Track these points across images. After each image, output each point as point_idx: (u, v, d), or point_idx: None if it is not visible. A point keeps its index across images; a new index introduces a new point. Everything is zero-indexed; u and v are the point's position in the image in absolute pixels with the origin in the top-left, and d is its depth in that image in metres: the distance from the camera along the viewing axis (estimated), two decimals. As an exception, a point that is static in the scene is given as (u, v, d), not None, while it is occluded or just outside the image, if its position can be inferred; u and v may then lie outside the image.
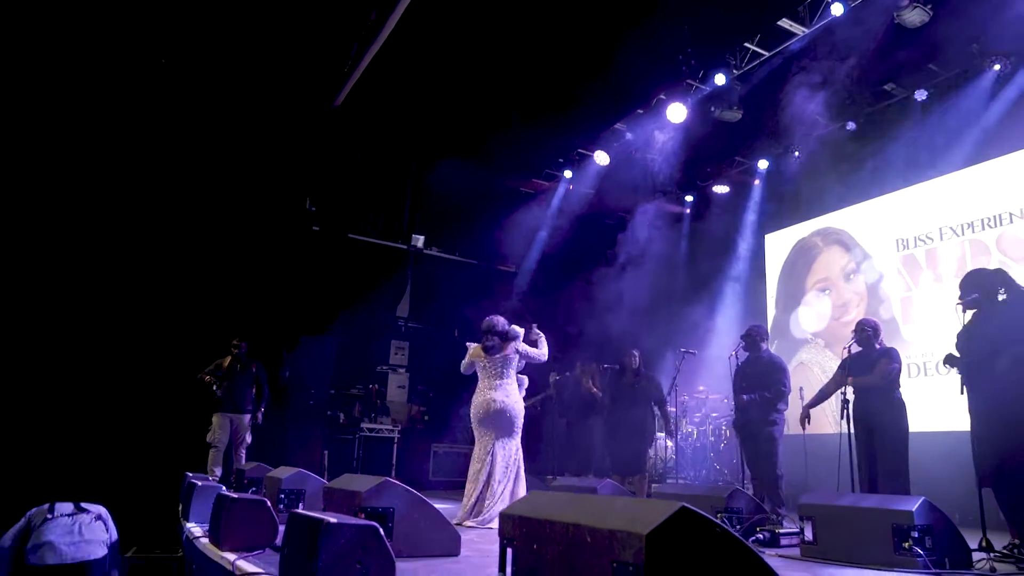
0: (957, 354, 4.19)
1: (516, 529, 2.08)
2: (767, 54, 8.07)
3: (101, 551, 4.54)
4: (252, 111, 9.49)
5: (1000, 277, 4.23)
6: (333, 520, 2.19)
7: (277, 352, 10.11)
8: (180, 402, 8.64)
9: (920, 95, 7.87)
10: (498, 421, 5.36)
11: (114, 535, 4.84)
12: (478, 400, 5.48)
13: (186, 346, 8.83)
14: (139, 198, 9.52)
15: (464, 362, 5.68)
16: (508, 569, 2.09)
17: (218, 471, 7.82)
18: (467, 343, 5.77)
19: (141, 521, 7.61)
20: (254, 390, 8.08)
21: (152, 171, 9.53)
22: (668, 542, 1.61)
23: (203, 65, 8.82)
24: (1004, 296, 4.10)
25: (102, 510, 4.87)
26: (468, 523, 5.10)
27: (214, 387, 7.85)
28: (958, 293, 4.33)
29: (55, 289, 8.89)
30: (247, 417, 7.99)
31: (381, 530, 2.26)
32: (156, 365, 9.10)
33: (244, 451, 8.02)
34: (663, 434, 8.42)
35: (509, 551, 2.09)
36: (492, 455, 5.31)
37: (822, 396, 5.63)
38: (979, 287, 4.19)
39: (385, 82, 8.99)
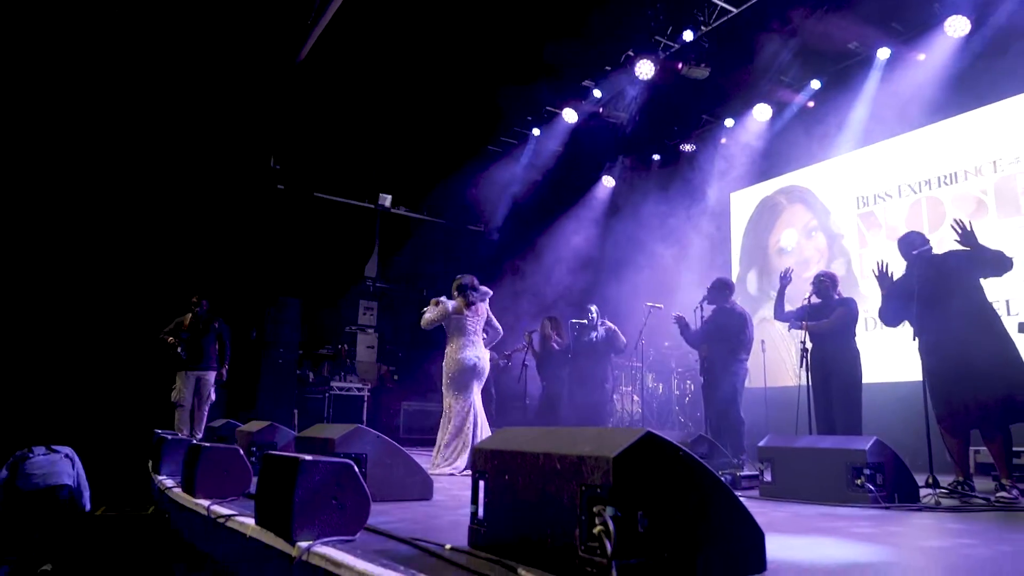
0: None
1: (488, 462, 2.15)
2: (735, 10, 8.08)
3: (70, 480, 5.61)
4: (213, 66, 9.22)
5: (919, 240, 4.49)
6: (308, 458, 2.24)
7: (245, 312, 10.02)
8: (145, 362, 8.56)
9: (883, 53, 7.97)
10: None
11: (80, 471, 5.81)
12: (469, 355, 5.67)
13: (150, 306, 8.71)
14: (101, 157, 9.27)
15: (436, 314, 5.70)
16: (480, 501, 2.15)
17: (185, 430, 7.80)
18: (440, 299, 5.82)
19: (110, 480, 7.59)
20: (217, 347, 8.00)
21: (112, 129, 9.26)
22: (634, 465, 1.69)
23: (163, 20, 8.51)
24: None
25: (69, 450, 5.81)
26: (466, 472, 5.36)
27: (177, 348, 7.76)
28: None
29: (18, 250, 8.68)
30: (211, 374, 7.92)
31: (356, 467, 2.31)
32: (120, 326, 8.98)
33: (207, 408, 7.96)
34: (629, 388, 8.61)
35: (481, 483, 2.16)
36: (474, 406, 5.60)
37: (782, 311, 5.89)
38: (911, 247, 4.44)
39: (350, 36, 8.80)
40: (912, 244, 4.50)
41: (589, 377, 7.21)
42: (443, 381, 5.75)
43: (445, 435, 5.59)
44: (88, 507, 5.73)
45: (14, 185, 8.67)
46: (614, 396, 8.38)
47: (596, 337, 7.43)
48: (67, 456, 5.74)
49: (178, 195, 9.79)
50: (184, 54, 8.97)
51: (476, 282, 5.85)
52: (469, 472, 5.34)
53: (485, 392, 6.25)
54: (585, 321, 7.45)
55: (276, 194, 11.03)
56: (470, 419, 5.58)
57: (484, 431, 5.58)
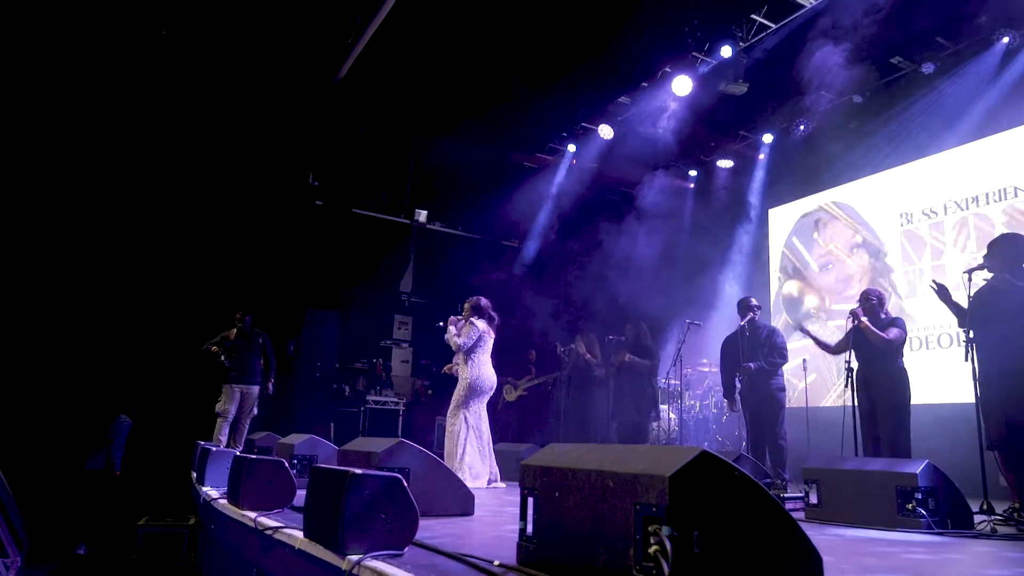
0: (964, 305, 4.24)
1: (537, 479, 2.14)
2: (774, 26, 8.03)
3: None
4: (254, 85, 9.46)
5: None
6: (359, 471, 2.25)
7: (283, 326, 10.18)
8: (186, 375, 8.73)
9: (927, 68, 7.83)
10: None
11: None
12: (491, 372, 6.03)
13: (191, 322, 8.89)
14: (145, 175, 9.54)
15: (472, 336, 5.95)
16: (529, 517, 2.14)
17: (224, 440, 7.92)
18: (455, 318, 6.15)
19: (150, 491, 7.75)
20: (261, 361, 8.15)
21: (156, 147, 9.53)
22: (690, 484, 1.67)
23: (205, 39, 8.77)
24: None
25: None
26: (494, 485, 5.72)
27: (221, 357, 7.89)
28: (966, 264, 4.38)
29: (67, 265, 8.96)
30: (256, 388, 8.08)
31: (405, 481, 2.32)
32: (162, 340, 9.18)
33: (248, 422, 8.09)
34: (666, 406, 8.52)
35: (531, 500, 2.15)
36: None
37: (824, 345, 5.77)
38: (1008, 252, 4.21)
39: (388, 55, 8.95)
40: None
41: (628, 395, 7.16)
42: (461, 397, 5.92)
43: (462, 450, 5.77)
44: None
45: (61, 202, 8.96)
46: (651, 414, 8.29)
47: (634, 356, 7.42)
48: None
49: (221, 212, 10.01)
50: (228, 74, 9.22)
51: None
52: (495, 484, 5.55)
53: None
54: (623, 338, 7.43)
55: (314, 210, 11.21)
56: (486, 434, 5.91)
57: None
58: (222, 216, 10.04)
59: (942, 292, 4.38)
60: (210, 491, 4.39)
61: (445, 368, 6.53)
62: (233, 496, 3.67)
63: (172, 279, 9.62)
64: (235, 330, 8.08)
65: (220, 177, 10.10)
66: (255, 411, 8.14)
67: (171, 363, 8.97)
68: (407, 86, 9.83)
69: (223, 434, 7.96)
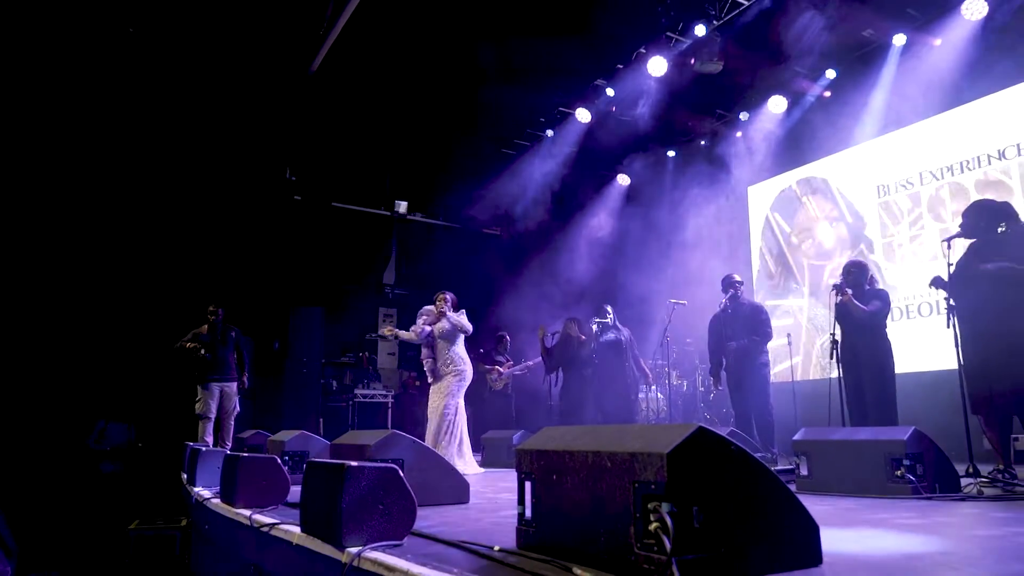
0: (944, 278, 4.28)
1: (534, 462, 2.14)
2: (746, 3, 8.04)
3: None
4: (227, 79, 9.32)
5: (1005, 209, 4.30)
6: (355, 464, 2.24)
7: (267, 323, 10.10)
8: (166, 375, 8.63)
9: (898, 39, 7.90)
10: None
11: None
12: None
13: (170, 319, 8.76)
14: (119, 170, 9.40)
15: (461, 323, 6.23)
16: (527, 501, 2.15)
17: (209, 441, 7.81)
18: (428, 308, 6.41)
19: (140, 494, 7.68)
20: (236, 356, 7.99)
21: (130, 141, 9.38)
22: (688, 460, 1.68)
23: (177, 34, 8.61)
24: (1003, 228, 4.17)
25: None
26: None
27: (201, 351, 7.72)
28: (946, 232, 4.42)
29: (38, 264, 8.82)
30: (234, 385, 7.89)
31: (401, 472, 2.31)
32: (140, 340, 9.08)
33: (233, 422, 7.96)
34: (654, 386, 8.58)
35: (528, 484, 2.15)
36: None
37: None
38: (982, 217, 4.26)
39: (361, 45, 8.85)
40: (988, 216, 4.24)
41: (616, 376, 7.19)
42: (447, 384, 6.10)
43: (459, 438, 5.99)
44: None
45: (34, 197, 8.80)
46: (639, 395, 8.34)
47: (617, 336, 7.46)
48: None
49: (197, 208, 9.90)
50: (200, 67, 9.07)
51: None
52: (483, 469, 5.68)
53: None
54: (607, 320, 7.46)
55: (293, 205, 11.11)
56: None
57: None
58: (201, 214, 9.92)
59: (937, 283, 4.39)
60: (202, 491, 4.36)
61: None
62: (226, 495, 3.64)
63: (152, 279, 9.50)
64: (207, 325, 7.92)
65: (197, 174, 9.97)
66: (238, 408, 7.99)
67: (154, 365, 8.87)
68: (382, 76, 9.73)
69: (208, 435, 7.85)
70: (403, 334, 6.56)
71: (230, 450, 7.06)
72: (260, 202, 10.65)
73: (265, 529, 2.81)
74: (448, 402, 6.01)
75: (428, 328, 6.27)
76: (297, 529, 2.58)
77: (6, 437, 8.06)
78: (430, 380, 6.30)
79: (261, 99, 9.75)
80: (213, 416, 7.85)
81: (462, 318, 6.22)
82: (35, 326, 8.72)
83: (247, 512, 3.18)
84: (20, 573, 6.51)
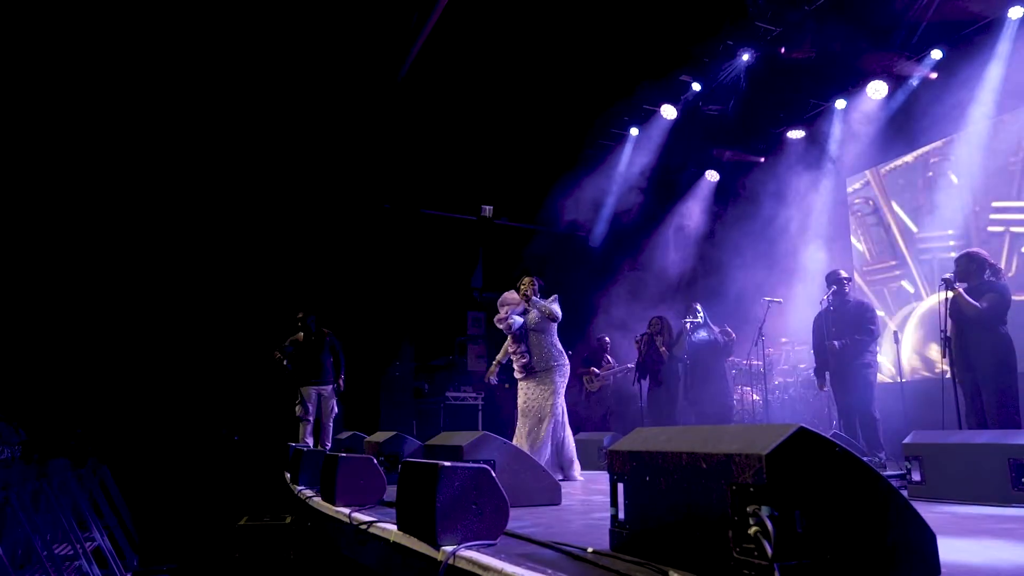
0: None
1: (626, 464, 2.12)
2: (838, -14, 7.67)
3: None
4: (318, 89, 9.66)
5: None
6: (448, 464, 2.28)
7: (360, 329, 10.45)
8: (271, 381, 9.06)
9: (1015, 12, 7.31)
10: None
11: None
12: None
13: (275, 328, 9.20)
14: (223, 184, 9.95)
15: (557, 311, 5.64)
16: (620, 503, 2.12)
17: (310, 442, 8.15)
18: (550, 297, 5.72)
19: (247, 493, 8.09)
20: (332, 359, 8.29)
21: (226, 155, 9.91)
22: (788, 462, 1.61)
23: (264, 42, 8.97)
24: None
25: None
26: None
27: (284, 362, 8.10)
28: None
29: (154, 278, 9.46)
30: (330, 387, 8.22)
31: (493, 472, 2.34)
32: (248, 349, 9.57)
33: (331, 423, 8.26)
34: (749, 387, 8.31)
35: (620, 486, 2.13)
36: None
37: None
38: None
39: (447, 50, 9.00)
40: None
41: (710, 376, 7.03)
42: (550, 380, 5.47)
43: (557, 438, 5.39)
44: None
45: (141, 216, 9.45)
46: (734, 396, 8.11)
47: (711, 335, 7.32)
48: None
49: (292, 220, 10.36)
50: (292, 75, 9.44)
51: None
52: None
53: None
54: (699, 320, 7.30)
55: (383, 212, 11.44)
56: None
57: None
58: (294, 224, 10.38)
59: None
60: (304, 490, 4.55)
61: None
62: (326, 494, 3.79)
63: (257, 289, 10.01)
64: (301, 332, 8.27)
65: (293, 187, 10.44)
66: (335, 409, 8.29)
67: (256, 372, 9.33)
68: (467, 81, 9.87)
69: (308, 436, 8.21)
70: (498, 358, 5.98)
71: (329, 451, 7.35)
72: (352, 210, 11.03)
73: (363, 527, 2.90)
74: (556, 401, 5.41)
75: (520, 319, 5.58)
76: (394, 527, 2.65)
77: (129, 440, 8.70)
78: (520, 376, 5.63)
79: (352, 107, 10.06)
80: (312, 418, 8.21)
81: (554, 305, 5.56)
82: (163, 336, 9.36)
83: (346, 510, 3.29)
84: (143, 564, 6.99)
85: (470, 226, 12.71)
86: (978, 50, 7.70)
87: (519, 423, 5.55)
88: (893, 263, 8.87)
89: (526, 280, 5.71)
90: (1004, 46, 7.47)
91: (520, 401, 5.58)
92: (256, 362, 9.14)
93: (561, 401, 5.48)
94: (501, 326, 5.65)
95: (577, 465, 5.48)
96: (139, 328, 9.39)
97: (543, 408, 5.39)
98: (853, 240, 9.43)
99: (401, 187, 11.58)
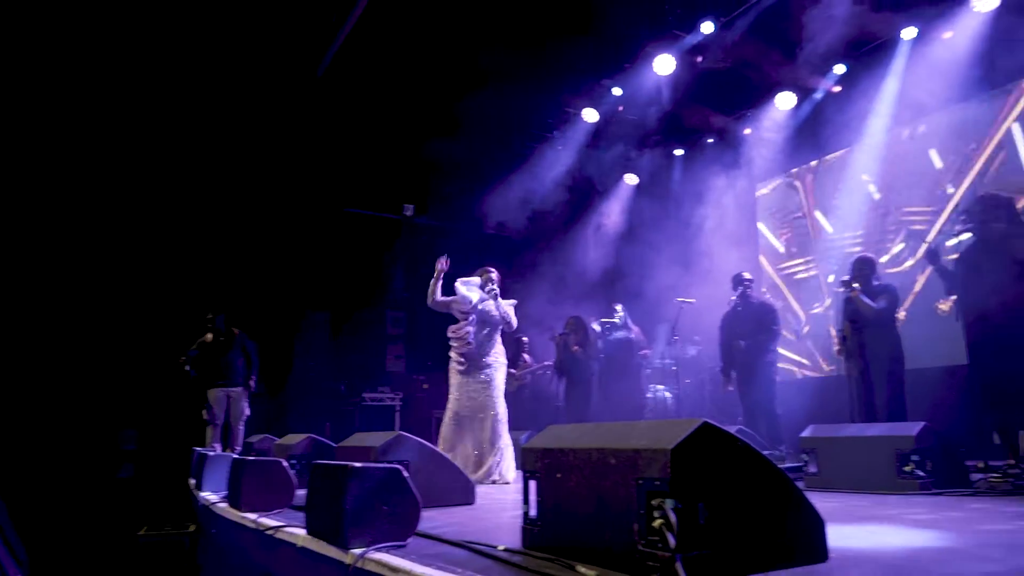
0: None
1: (538, 461, 2.13)
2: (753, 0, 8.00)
3: None
4: (237, 85, 9.32)
5: (1009, 205, 4.25)
6: (358, 465, 2.24)
7: (278, 328, 10.13)
8: (175, 383, 8.65)
9: (907, 34, 7.82)
10: None
11: None
12: None
13: (181, 329, 8.79)
14: (132, 180, 9.45)
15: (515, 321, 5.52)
16: (532, 500, 2.14)
17: (218, 447, 7.82)
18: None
19: (148, 501, 7.71)
20: (243, 360, 7.99)
21: (135, 148, 9.43)
22: (693, 456, 1.66)
23: (179, 35, 8.61)
24: (1002, 224, 4.12)
25: None
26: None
27: (187, 367, 7.77)
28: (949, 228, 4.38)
29: (63, 281, 8.90)
30: (240, 389, 7.91)
31: (405, 473, 2.31)
32: (150, 348, 9.12)
33: (243, 426, 7.96)
34: (662, 385, 8.54)
35: (532, 483, 2.14)
36: None
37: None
38: (986, 212, 4.21)
39: (367, 48, 8.86)
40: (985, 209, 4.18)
41: (624, 374, 7.20)
42: (496, 376, 5.26)
43: (492, 440, 5.18)
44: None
45: (53, 207, 8.87)
46: (647, 394, 8.32)
47: (626, 336, 7.49)
48: None
49: (208, 215, 9.95)
50: (208, 70, 9.06)
51: None
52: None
53: None
54: (616, 320, 7.46)
55: (304, 209, 11.14)
56: None
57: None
58: (210, 219, 9.96)
59: (932, 256, 4.40)
60: (210, 496, 4.37)
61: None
62: (233, 499, 3.65)
63: (162, 286, 9.55)
64: (210, 333, 7.94)
65: (205, 179, 10.01)
66: (247, 411, 7.99)
67: (163, 372, 8.91)
68: (388, 79, 9.73)
69: (216, 440, 7.87)
70: (445, 297, 5.43)
71: (238, 454, 7.09)
72: (271, 207, 10.69)
73: (270, 532, 2.81)
74: (501, 399, 5.22)
75: (486, 299, 5.26)
76: (302, 531, 2.57)
77: (17, 446, 8.12)
78: (461, 367, 5.25)
79: (269, 102, 9.74)
80: (220, 422, 7.88)
81: (512, 312, 5.38)
82: (47, 333, 8.77)
83: (253, 515, 3.18)
84: (31, 580, 6.53)
85: (391, 225, 12.54)
86: (877, 66, 8.20)
87: (451, 423, 5.23)
88: (802, 262, 9.33)
89: (486, 273, 5.50)
90: (899, 63, 7.98)
91: (459, 401, 5.24)
92: (161, 363, 8.72)
93: (503, 400, 5.28)
94: (463, 307, 5.33)
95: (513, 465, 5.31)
96: (28, 329, 8.78)
97: (488, 405, 5.18)
98: (771, 238, 9.83)
99: (322, 184, 11.30)
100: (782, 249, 9.58)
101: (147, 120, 9.30)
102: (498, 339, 5.44)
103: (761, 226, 9.89)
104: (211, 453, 5.05)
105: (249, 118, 9.79)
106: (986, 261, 4.11)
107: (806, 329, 8.84)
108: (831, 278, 5.43)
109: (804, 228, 9.30)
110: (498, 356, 5.38)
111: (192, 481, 5.87)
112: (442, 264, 5.41)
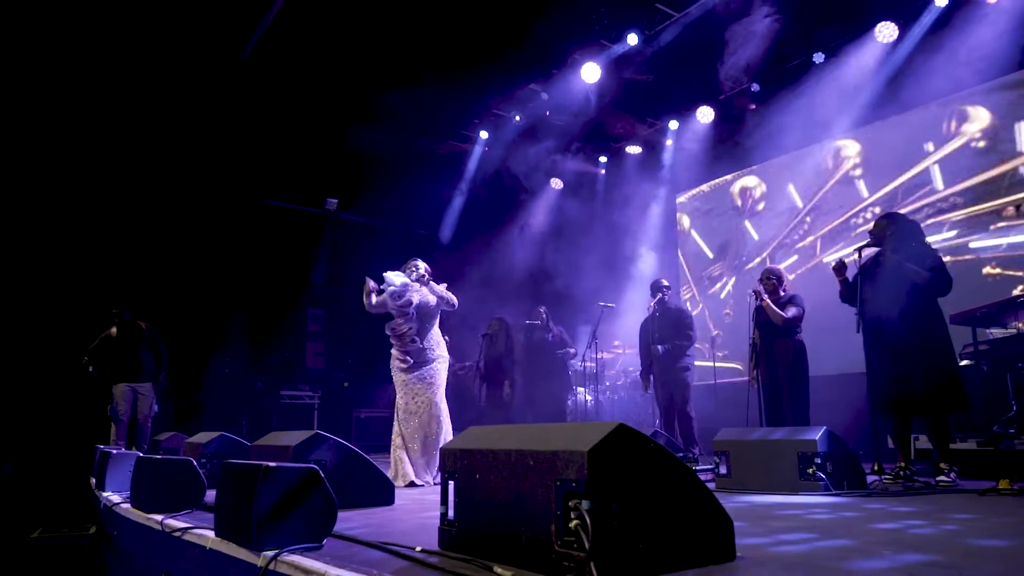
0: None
1: (457, 462, 2.13)
2: (676, 15, 8.25)
3: None
4: (155, 64, 8.88)
5: (910, 225, 4.56)
6: (272, 465, 2.18)
7: (196, 324, 9.73)
8: (79, 378, 8.19)
9: (818, 58, 8.25)
10: None
11: None
12: None
13: (87, 320, 8.33)
14: (35, 167, 8.87)
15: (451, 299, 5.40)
16: (451, 501, 2.14)
17: (122, 445, 7.44)
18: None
19: (45, 500, 7.26)
20: (152, 355, 7.64)
21: (42, 134, 8.87)
22: (608, 457, 1.70)
23: (94, 18, 8.17)
24: (902, 242, 4.41)
25: None
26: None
27: (89, 368, 7.39)
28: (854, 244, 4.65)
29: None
30: (149, 385, 7.57)
31: (321, 473, 2.26)
32: (56, 342, 8.61)
33: (150, 423, 7.60)
34: (582, 388, 8.69)
35: (451, 483, 2.14)
36: None
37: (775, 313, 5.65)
38: (888, 231, 4.49)
39: (294, 36, 8.63)
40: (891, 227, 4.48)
41: (546, 376, 7.28)
42: (438, 372, 5.13)
43: (426, 438, 4.99)
44: None
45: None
46: (568, 396, 8.44)
47: (551, 337, 7.57)
48: None
49: (117, 202, 9.44)
50: (127, 53, 8.61)
51: None
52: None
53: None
54: (538, 322, 7.54)
55: (219, 200, 10.74)
56: None
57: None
58: (117, 211, 9.45)
59: (839, 268, 4.65)
60: (112, 496, 4.16)
61: None
62: (137, 500, 3.48)
63: (66, 278, 9.01)
64: (115, 328, 7.58)
65: (118, 166, 9.50)
66: (155, 408, 7.64)
67: (63, 366, 8.41)
68: (315, 70, 9.50)
69: (121, 437, 7.50)
70: (380, 296, 5.17)
71: (145, 452, 6.76)
72: (185, 195, 10.25)
73: (177, 534, 2.70)
74: (441, 395, 5.09)
75: (419, 298, 5.13)
76: (211, 533, 2.48)
77: None
78: (404, 365, 5.08)
79: (188, 85, 9.32)
80: (126, 419, 7.51)
81: (446, 290, 5.27)
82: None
83: (158, 517, 3.05)
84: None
85: (313, 219, 12.25)
86: (791, 86, 8.60)
87: (402, 423, 5.04)
88: (725, 267, 9.68)
89: (420, 264, 5.37)
90: (810, 84, 8.40)
91: (404, 400, 5.08)
92: (58, 358, 8.22)
93: (443, 396, 5.14)
94: (398, 302, 5.11)
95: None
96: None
97: (432, 404, 5.04)
98: (698, 240, 10.14)
99: (240, 174, 10.91)
100: (711, 254, 9.91)
101: (49, 99, 8.75)
102: (436, 328, 5.31)
103: (694, 233, 10.18)
104: (114, 451, 4.80)
105: (166, 100, 9.35)
106: (884, 276, 4.38)
107: (717, 333, 9.19)
108: (749, 289, 5.66)
109: (732, 234, 9.61)
110: (441, 351, 5.25)
111: (93, 480, 5.57)
112: (371, 286, 5.22)
